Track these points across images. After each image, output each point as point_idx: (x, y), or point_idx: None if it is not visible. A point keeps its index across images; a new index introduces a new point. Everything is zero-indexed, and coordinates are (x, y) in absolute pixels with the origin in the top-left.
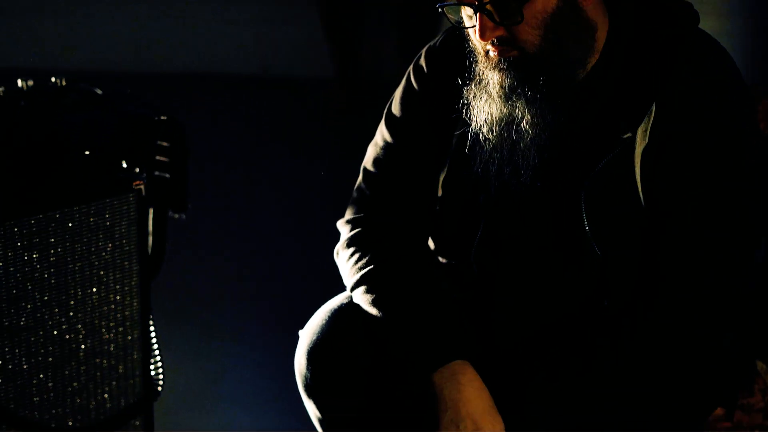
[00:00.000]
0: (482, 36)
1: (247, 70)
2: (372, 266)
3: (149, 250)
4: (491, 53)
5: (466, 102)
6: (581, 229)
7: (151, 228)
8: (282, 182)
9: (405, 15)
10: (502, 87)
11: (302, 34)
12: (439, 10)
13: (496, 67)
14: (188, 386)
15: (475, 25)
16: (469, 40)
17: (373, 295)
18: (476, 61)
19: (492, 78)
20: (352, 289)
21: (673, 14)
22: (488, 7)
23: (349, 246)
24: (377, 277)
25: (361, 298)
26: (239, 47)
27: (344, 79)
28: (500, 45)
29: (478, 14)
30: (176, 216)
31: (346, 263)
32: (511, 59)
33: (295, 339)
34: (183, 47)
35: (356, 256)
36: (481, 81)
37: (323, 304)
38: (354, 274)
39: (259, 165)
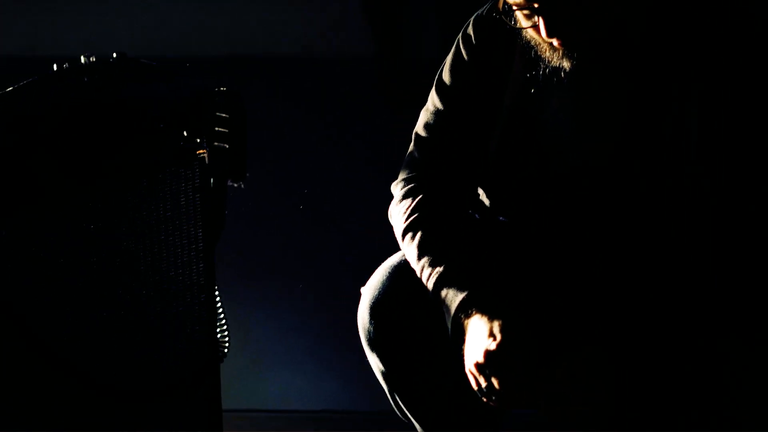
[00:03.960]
0: (549, 36)
1: (287, 50)
2: (416, 214)
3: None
4: (555, 44)
5: (536, 85)
6: (633, 184)
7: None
8: (327, 155)
9: None
10: (574, 74)
11: (342, 13)
12: (497, 17)
13: (565, 56)
14: (250, 349)
15: (536, 25)
16: (525, 34)
17: (413, 241)
18: (539, 49)
19: (563, 65)
20: (402, 238)
21: None
22: (548, 8)
23: (399, 202)
24: (419, 224)
25: (406, 246)
26: (279, 28)
27: (385, 58)
28: (564, 37)
29: (538, 16)
30: (235, 185)
31: (398, 219)
32: (577, 47)
33: (353, 304)
34: (220, 30)
35: (406, 210)
36: (549, 68)
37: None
38: (402, 224)
39: (304, 140)
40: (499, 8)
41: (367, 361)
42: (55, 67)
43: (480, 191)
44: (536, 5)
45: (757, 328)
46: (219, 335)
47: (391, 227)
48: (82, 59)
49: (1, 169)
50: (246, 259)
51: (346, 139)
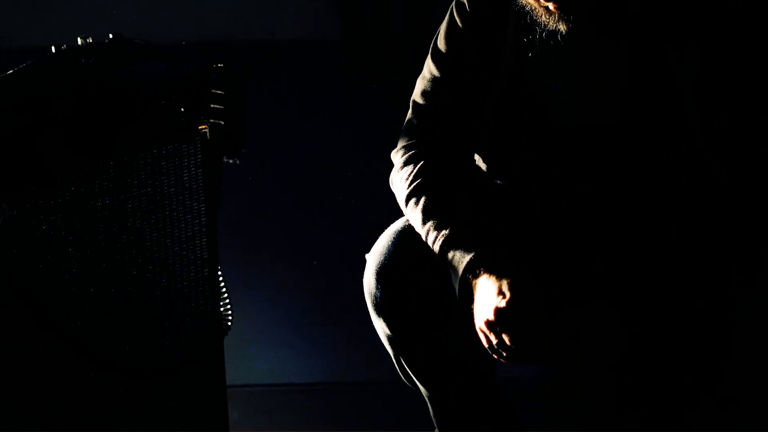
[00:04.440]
0: None
1: (252, 34)
2: (419, 180)
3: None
4: (551, 7)
5: (532, 49)
6: (631, 144)
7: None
8: (301, 135)
9: None
10: (571, 36)
11: None
12: None
13: (561, 19)
14: (252, 323)
15: None
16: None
17: (417, 206)
18: (534, 14)
19: (559, 28)
20: (405, 204)
21: None
22: None
23: (401, 169)
24: (422, 189)
25: (410, 212)
26: (243, 12)
27: (350, 40)
28: (560, 0)
29: None
30: (230, 161)
31: (400, 185)
32: (572, 9)
33: (356, 275)
34: (187, 15)
35: (408, 177)
36: (545, 32)
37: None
38: (405, 190)
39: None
40: None
41: (360, 331)
42: (53, 49)
43: (476, 156)
44: None
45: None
46: (222, 309)
47: (385, 196)
48: (79, 41)
49: (11, 149)
50: (236, 237)
51: (317, 118)
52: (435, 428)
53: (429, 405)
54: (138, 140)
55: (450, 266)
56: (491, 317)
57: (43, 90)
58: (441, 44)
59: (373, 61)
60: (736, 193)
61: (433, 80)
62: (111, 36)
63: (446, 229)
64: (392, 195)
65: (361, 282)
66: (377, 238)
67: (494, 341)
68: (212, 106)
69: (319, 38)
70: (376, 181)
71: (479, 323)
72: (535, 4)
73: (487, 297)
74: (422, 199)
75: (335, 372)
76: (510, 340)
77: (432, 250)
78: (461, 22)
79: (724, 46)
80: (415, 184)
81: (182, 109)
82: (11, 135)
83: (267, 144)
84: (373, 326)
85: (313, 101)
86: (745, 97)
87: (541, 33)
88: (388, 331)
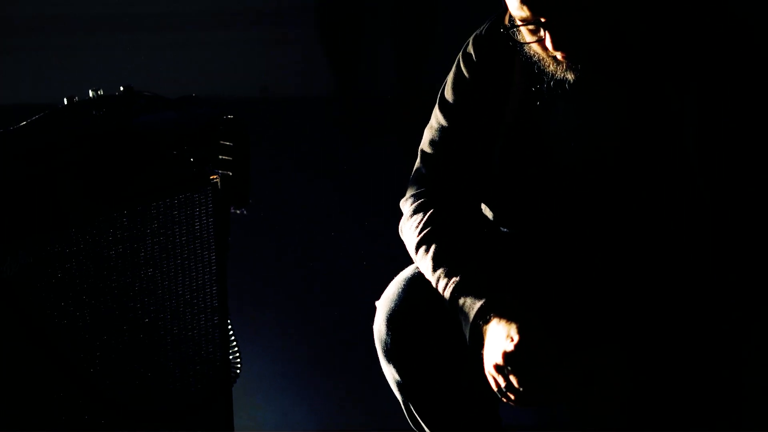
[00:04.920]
0: (555, 48)
1: (245, 92)
2: (429, 228)
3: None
4: (559, 57)
5: (540, 98)
6: (635, 193)
7: None
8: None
9: (400, 32)
10: (577, 83)
11: (300, 54)
12: (504, 32)
13: (569, 68)
14: (260, 371)
15: (541, 39)
16: (528, 49)
17: (427, 253)
18: (542, 63)
19: (567, 77)
20: (415, 252)
21: None
22: (555, 23)
23: (410, 217)
24: (432, 237)
25: (420, 259)
26: (237, 69)
27: (343, 96)
28: (568, 50)
29: (544, 30)
30: (237, 211)
31: (410, 234)
32: (580, 59)
33: (364, 324)
34: (180, 71)
35: (417, 225)
36: (553, 81)
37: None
38: (415, 238)
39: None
40: (505, 24)
41: (368, 380)
42: (65, 101)
43: (483, 205)
44: (543, 20)
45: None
46: (231, 357)
47: (390, 242)
48: (91, 93)
49: (25, 196)
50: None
51: (312, 171)
52: None
53: None
54: (150, 189)
55: (461, 312)
56: (500, 361)
57: (56, 139)
58: (448, 94)
59: (366, 117)
60: (739, 235)
61: (441, 129)
62: (122, 88)
63: (457, 276)
64: (400, 243)
65: (370, 330)
66: (386, 286)
67: (503, 384)
68: (221, 156)
69: (315, 95)
70: (380, 230)
71: (488, 367)
72: (543, 54)
73: (497, 341)
74: (432, 247)
75: (344, 421)
76: (518, 383)
77: (443, 296)
78: (468, 72)
79: (725, 92)
80: (425, 231)
81: (192, 159)
82: (25, 183)
83: (272, 195)
84: (382, 374)
85: (309, 155)
86: (746, 142)
87: (548, 82)
88: (397, 377)
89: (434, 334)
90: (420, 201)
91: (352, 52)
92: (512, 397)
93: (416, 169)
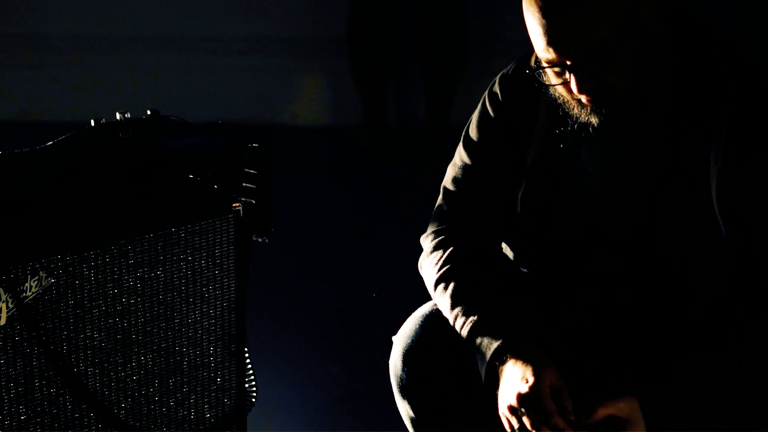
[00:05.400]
0: (579, 91)
1: (274, 118)
2: (448, 265)
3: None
4: (583, 100)
5: (564, 140)
6: (657, 242)
7: None
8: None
9: (430, 62)
10: (601, 128)
11: (329, 82)
12: (529, 73)
13: (593, 112)
14: (276, 400)
15: (566, 82)
16: (554, 91)
17: (446, 291)
18: (567, 106)
19: (591, 120)
20: (434, 289)
21: (728, 41)
22: (580, 66)
23: (430, 254)
24: (451, 275)
25: (438, 296)
26: (266, 96)
27: (372, 126)
28: (593, 93)
29: (569, 73)
30: (260, 240)
31: (429, 270)
32: (605, 102)
33: (381, 357)
34: (210, 98)
35: (437, 262)
36: (577, 124)
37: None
38: (434, 275)
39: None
40: (531, 65)
41: (381, 413)
42: (92, 122)
43: (503, 244)
44: (569, 62)
45: None
46: (247, 384)
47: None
48: (118, 116)
49: (48, 217)
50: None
51: (335, 201)
52: None
53: None
54: (173, 214)
55: (477, 352)
56: (514, 402)
57: (81, 161)
58: (473, 132)
59: (392, 149)
60: (762, 291)
61: (464, 167)
62: (149, 112)
63: (475, 315)
64: (418, 278)
65: (386, 364)
66: (403, 321)
67: (516, 426)
68: (245, 184)
69: (343, 124)
70: (401, 263)
71: (502, 408)
72: (568, 97)
73: (511, 382)
74: (451, 285)
75: None
76: (531, 426)
77: (460, 335)
78: (493, 111)
79: (750, 143)
80: (444, 269)
81: (216, 186)
82: (49, 203)
83: (295, 224)
84: (397, 408)
85: (334, 184)
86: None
87: (572, 125)
88: (411, 414)
89: (450, 373)
90: (440, 238)
91: (381, 83)
92: None
93: (438, 206)
